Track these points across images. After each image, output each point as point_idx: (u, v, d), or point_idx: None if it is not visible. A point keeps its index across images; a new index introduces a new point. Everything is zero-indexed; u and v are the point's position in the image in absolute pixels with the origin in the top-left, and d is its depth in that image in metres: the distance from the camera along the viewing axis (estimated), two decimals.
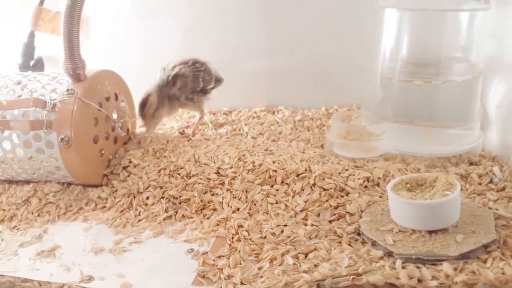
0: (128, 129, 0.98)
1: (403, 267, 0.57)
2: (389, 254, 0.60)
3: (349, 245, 0.65)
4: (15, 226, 0.81)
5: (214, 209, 0.79)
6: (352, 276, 0.56)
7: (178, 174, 0.85)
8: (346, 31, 1.07)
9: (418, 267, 0.56)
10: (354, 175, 0.79)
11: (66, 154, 0.82)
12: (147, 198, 0.83)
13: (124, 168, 0.89)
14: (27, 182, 0.91)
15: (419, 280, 0.54)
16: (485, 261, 0.56)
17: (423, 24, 0.84)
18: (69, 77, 0.84)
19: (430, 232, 0.61)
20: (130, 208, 0.83)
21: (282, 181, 0.80)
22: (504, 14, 0.84)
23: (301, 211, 0.73)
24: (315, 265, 0.61)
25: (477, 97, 0.84)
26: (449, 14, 0.83)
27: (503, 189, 0.73)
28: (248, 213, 0.76)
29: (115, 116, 0.93)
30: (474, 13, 0.82)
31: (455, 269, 0.55)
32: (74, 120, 0.81)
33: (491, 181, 0.75)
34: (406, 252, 0.58)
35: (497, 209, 0.66)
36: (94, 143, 0.87)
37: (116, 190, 0.86)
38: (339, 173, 0.79)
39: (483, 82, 0.86)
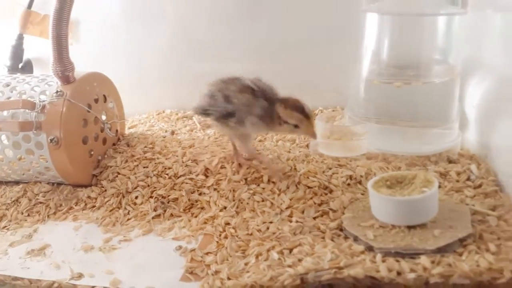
0: (117, 130, 1.00)
1: (383, 261, 0.59)
2: (370, 248, 0.62)
3: (332, 240, 0.67)
4: (5, 226, 0.82)
5: (202, 208, 0.81)
6: (334, 270, 0.58)
7: (166, 174, 0.87)
8: (331, 34, 1.10)
9: (397, 261, 0.59)
10: (337, 173, 0.81)
11: (56, 155, 0.84)
12: (136, 197, 0.85)
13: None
14: (17, 182, 0.92)
15: (398, 273, 0.57)
16: (461, 254, 0.59)
17: (403, 28, 0.87)
18: (58, 79, 0.85)
19: (409, 227, 0.63)
20: (120, 207, 0.84)
21: (268, 180, 0.82)
22: (480, 18, 0.87)
23: (286, 208, 0.75)
24: (299, 260, 0.63)
25: (455, 98, 0.87)
26: (428, 18, 0.86)
27: (479, 186, 0.76)
28: (235, 211, 0.78)
29: (104, 117, 0.95)
30: (452, 17, 0.86)
31: (433, 262, 0.57)
32: (63, 121, 0.83)
33: (468, 179, 0.78)
34: (386, 246, 0.61)
35: (473, 205, 0.69)
36: (83, 143, 0.88)
37: (106, 190, 0.87)
38: (323, 172, 0.82)
39: (462, 83, 0.89)
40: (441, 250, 0.59)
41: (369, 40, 0.88)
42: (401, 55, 0.87)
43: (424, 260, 0.57)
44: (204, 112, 0.82)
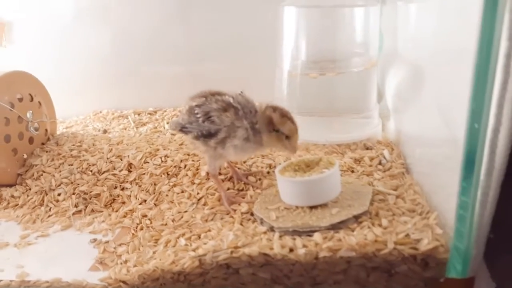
0: (46, 130, 0.99)
1: (279, 239, 0.60)
2: (272, 229, 0.63)
3: (241, 224, 0.68)
4: None
5: (123, 203, 0.82)
6: (230, 249, 0.59)
7: (90, 171, 0.87)
8: (258, 32, 1.12)
9: (293, 238, 0.60)
10: (257, 162, 0.83)
11: None
12: (59, 194, 0.84)
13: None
14: None
15: (291, 249, 0.58)
16: (353, 230, 0.60)
17: (320, 21, 0.89)
18: None
19: (311, 208, 0.65)
20: (42, 205, 0.84)
21: (189, 172, 0.83)
22: (394, 10, 0.91)
23: (202, 197, 0.77)
24: (205, 244, 0.64)
25: (371, 88, 0.90)
26: (345, 11, 0.88)
27: (389, 169, 0.78)
28: (154, 203, 0.79)
29: (30, 116, 0.94)
30: (369, 9, 0.88)
31: (325, 238, 0.59)
32: None
33: (380, 163, 0.80)
34: (285, 226, 0.62)
35: (377, 186, 0.71)
36: (5, 142, 0.88)
37: (30, 189, 0.87)
38: (245, 162, 0.83)
39: (384, 74, 0.92)
40: (335, 227, 0.60)
41: (289, 34, 0.90)
42: (319, 48, 0.90)
43: (317, 237, 0.59)
44: (182, 129, 0.75)
